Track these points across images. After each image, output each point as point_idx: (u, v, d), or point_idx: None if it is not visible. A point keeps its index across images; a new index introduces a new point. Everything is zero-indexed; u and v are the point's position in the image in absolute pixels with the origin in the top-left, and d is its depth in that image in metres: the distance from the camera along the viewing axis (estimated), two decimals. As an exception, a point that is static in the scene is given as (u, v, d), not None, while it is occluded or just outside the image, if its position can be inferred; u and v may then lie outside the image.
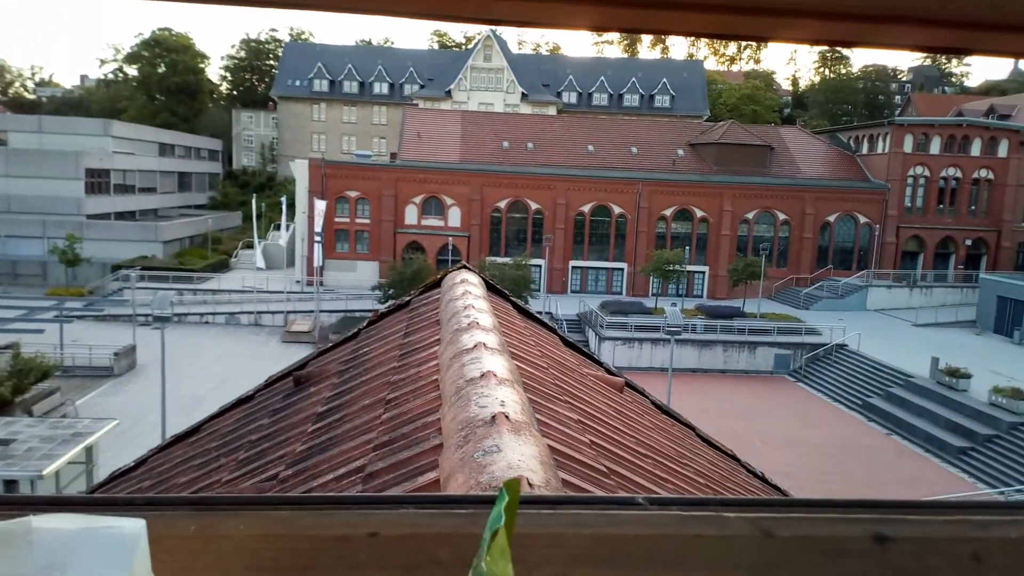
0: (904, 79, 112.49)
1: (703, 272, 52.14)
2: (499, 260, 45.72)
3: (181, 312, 42.40)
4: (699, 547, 0.77)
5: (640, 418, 3.67)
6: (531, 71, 78.40)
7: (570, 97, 79.02)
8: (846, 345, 38.82)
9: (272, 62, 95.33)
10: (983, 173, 53.50)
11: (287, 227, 53.01)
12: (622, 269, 52.12)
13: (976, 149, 53.25)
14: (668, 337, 29.09)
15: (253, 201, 54.13)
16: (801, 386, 37.67)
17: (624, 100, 79.55)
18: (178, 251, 56.01)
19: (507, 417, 1.66)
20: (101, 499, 0.78)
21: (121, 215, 58.20)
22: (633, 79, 79.60)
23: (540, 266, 49.10)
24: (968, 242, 53.78)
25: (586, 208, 51.64)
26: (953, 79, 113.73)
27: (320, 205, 46.41)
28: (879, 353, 37.16)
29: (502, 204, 51.29)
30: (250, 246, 55.87)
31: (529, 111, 71.80)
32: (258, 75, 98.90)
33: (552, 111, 74.00)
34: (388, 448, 1.95)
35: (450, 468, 1.51)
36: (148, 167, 64.42)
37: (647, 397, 4.93)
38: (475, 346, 2.42)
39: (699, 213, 52.06)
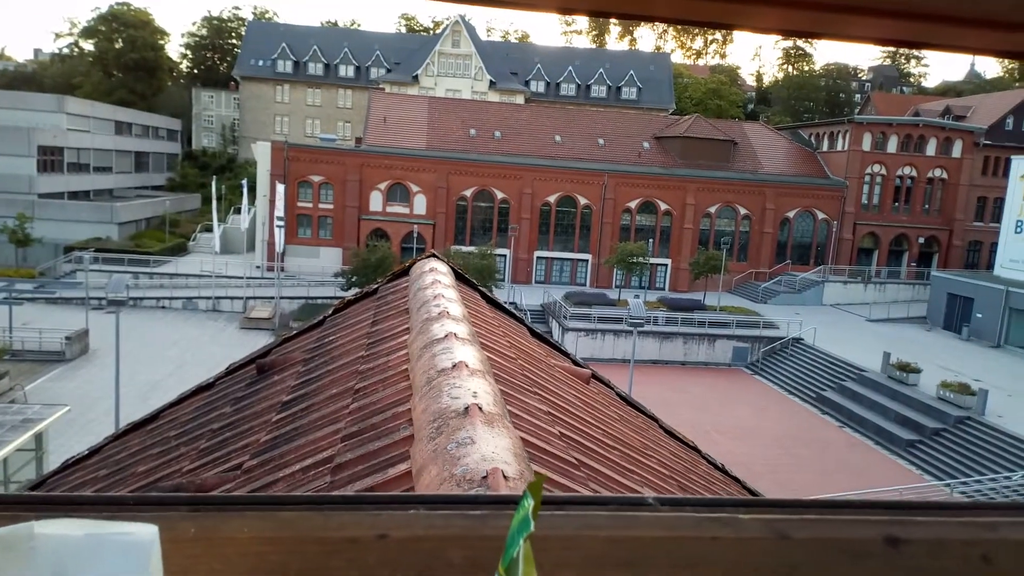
0: (864, 78, 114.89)
1: (666, 265, 52.72)
2: (464, 249, 45.55)
3: (136, 296, 41.38)
4: (716, 549, 0.76)
5: (606, 409, 3.70)
6: (499, 58, 78.02)
7: (538, 86, 78.90)
8: (802, 339, 39.68)
9: (235, 41, 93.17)
10: (937, 172, 55.01)
11: (248, 211, 51.99)
12: (586, 260, 52.40)
13: (931, 149, 54.70)
14: (631, 329, 29.37)
15: (213, 183, 52.95)
16: (758, 378, 38.43)
17: (591, 91, 79.70)
18: (134, 233, 54.58)
19: (480, 409, 1.65)
20: (99, 498, 0.73)
21: (75, 195, 56.44)
22: (601, 70, 79.77)
23: (505, 256, 49.10)
24: (921, 240, 55.32)
25: (552, 198, 51.74)
26: (911, 79, 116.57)
27: (281, 189, 45.65)
28: (833, 347, 38.08)
29: (468, 192, 51.09)
30: (209, 229, 54.70)
31: (497, 99, 71.47)
32: (220, 54, 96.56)
33: (520, 100, 73.79)
34: (357, 439, 1.92)
35: (422, 460, 1.49)
36: (104, 146, 62.54)
37: (612, 388, 4.97)
38: (446, 336, 2.40)
39: (663, 206, 52.57)
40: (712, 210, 53.02)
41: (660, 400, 31.56)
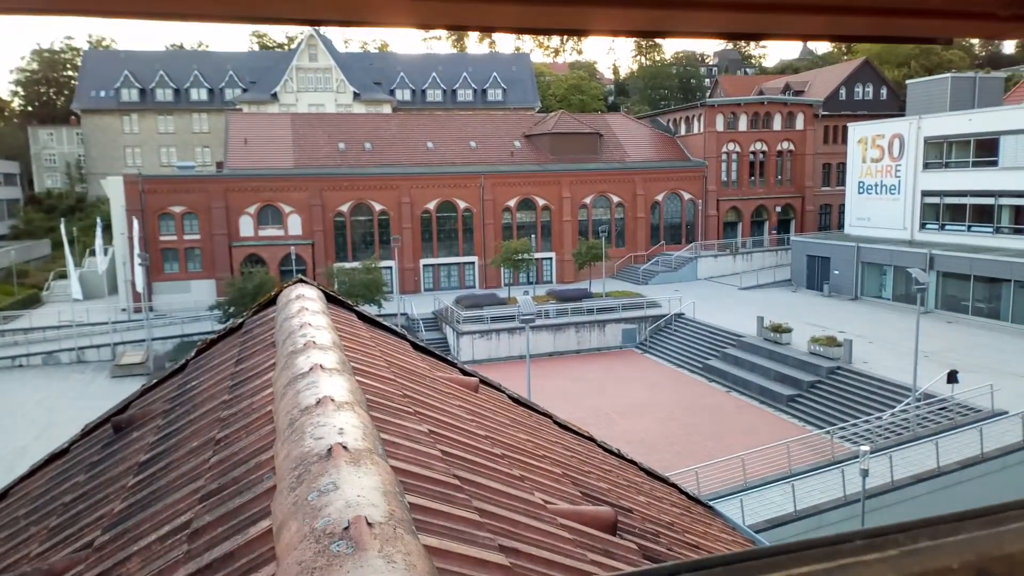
0: (711, 63, 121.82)
1: (550, 258, 53.69)
2: (348, 266, 44.48)
3: (-14, 357, 37.68)
4: None
5: (496, 416, 3.65)
6: (361, 69, 76.75)
7: (404, 94, 78.23)
8: (683, 314, 41.53)
9: (71, 73, 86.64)
10: (785, 145, 59.12)
11: (104, 251, 48.36)
12: (473, 263, 52.49)
13: (777, 124, 58.70)
14: (523, 325, 29.66)
15: (62, 226, 48.92)
16: (648, 356, 39.88)
17: (458, 95, 79.93)
18: (-24, 289, 49.59)
19: (345, 448, 1.54)
20: None
21: (-102, 255, 50.58)
22: (465, 74, 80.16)
23: (391, 268, 48.36)
24: (778, 209, 59.26)
25: (431, 205, 51.45)
26: (753, 61, 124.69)
27: (139, 224, 42.82)
28: (712, 318, 40.11)
29: (344, 208, 49.92)
30: (64, 276, 50.51)
31: (363, 110, 70.29)
32: (55, 88, 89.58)
33: (387, 109, 72.91)
34: (217, 497, 1.76)
35: (283, 515, 1.36)
36: (-73, 197, 56.44)
37: (503, 392, 4.93)
38: (311, 369, 2.25)
39: (540, 202, 53.49)
40: (587, 201, 54.49)
41: (560, 391, 32.12)
